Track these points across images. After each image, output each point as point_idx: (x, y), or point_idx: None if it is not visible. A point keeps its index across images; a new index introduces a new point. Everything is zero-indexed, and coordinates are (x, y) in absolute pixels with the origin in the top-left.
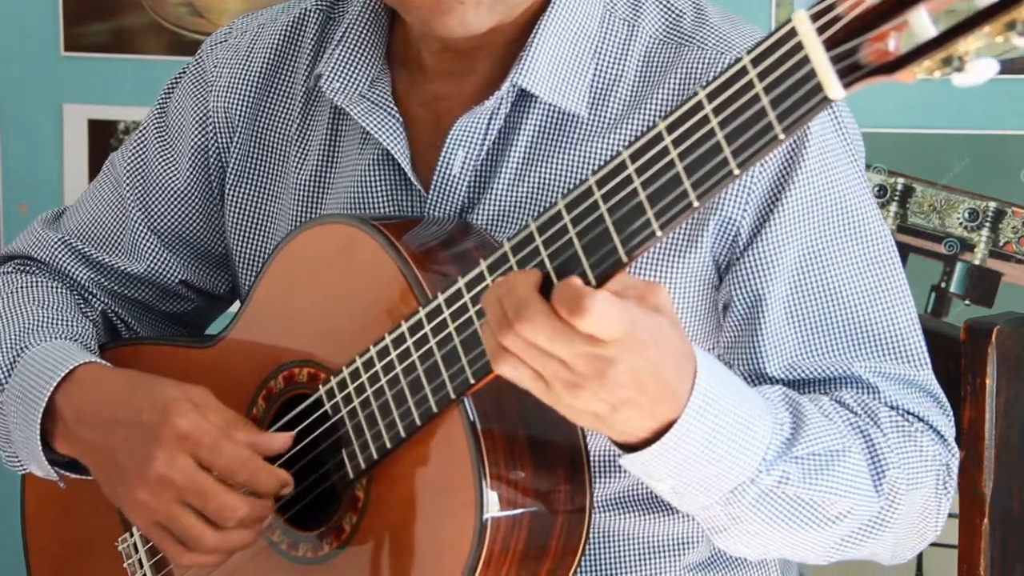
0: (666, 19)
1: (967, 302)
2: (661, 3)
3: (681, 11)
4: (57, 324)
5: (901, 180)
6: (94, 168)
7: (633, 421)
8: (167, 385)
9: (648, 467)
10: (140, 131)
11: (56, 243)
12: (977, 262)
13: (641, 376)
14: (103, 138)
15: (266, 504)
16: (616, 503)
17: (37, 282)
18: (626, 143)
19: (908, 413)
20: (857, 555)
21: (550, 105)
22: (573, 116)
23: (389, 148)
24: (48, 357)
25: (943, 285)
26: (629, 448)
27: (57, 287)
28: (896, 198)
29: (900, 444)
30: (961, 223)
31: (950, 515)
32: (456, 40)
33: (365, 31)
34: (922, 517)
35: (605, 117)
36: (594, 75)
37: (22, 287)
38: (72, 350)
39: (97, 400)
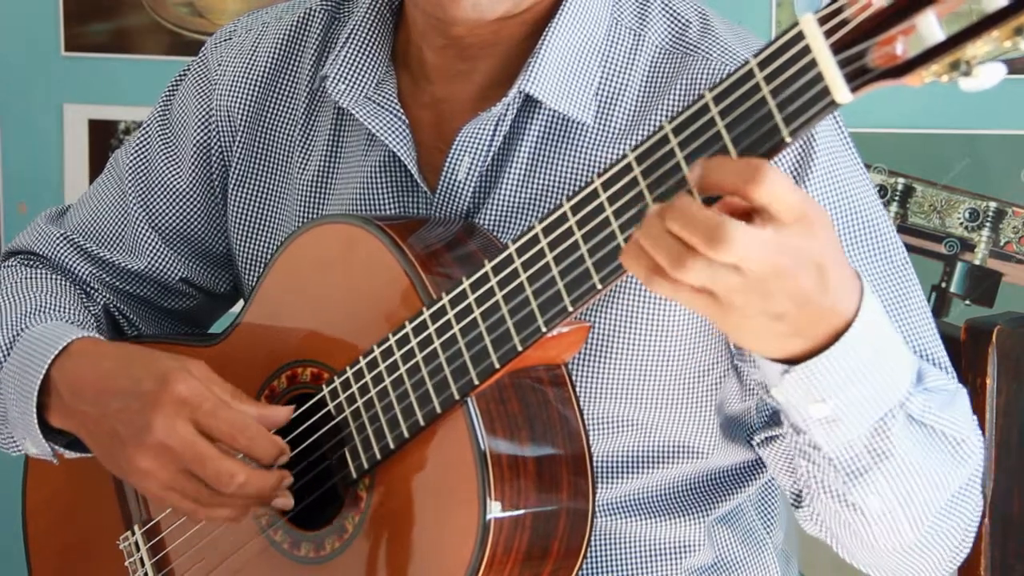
0: (672, 29)
1: (967, 302)
2: (667, 12)
3: (687, 21)
4: (60, 310)
5: (901, 180)
6: (94, 168)
7: (806, 322)
8: (165, 356)
9: (817, 381)
10: (144, 129)
11: (58, 239)
12: (977, 262)
13: (816, 262)
14: (103, 138)
15: (266, 477)
16: (619, 506)
17: (40, 275)
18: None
19: None
20: (941, 533)
21: (554, 111)
22: (577, 122)
23: (396, 151)
24: (46, 334)
25: (943, 285)
26: (792, 361)
27: (60, 280)
28: (896, 198)
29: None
30: (961, 223)
31: None
32: (467, 25)
33: (371, 32)
34: (973, 512)
35: (610, 126)
36: (600, 84)
37: (26, 278)
38: (70, 328)
39: (93, 372)
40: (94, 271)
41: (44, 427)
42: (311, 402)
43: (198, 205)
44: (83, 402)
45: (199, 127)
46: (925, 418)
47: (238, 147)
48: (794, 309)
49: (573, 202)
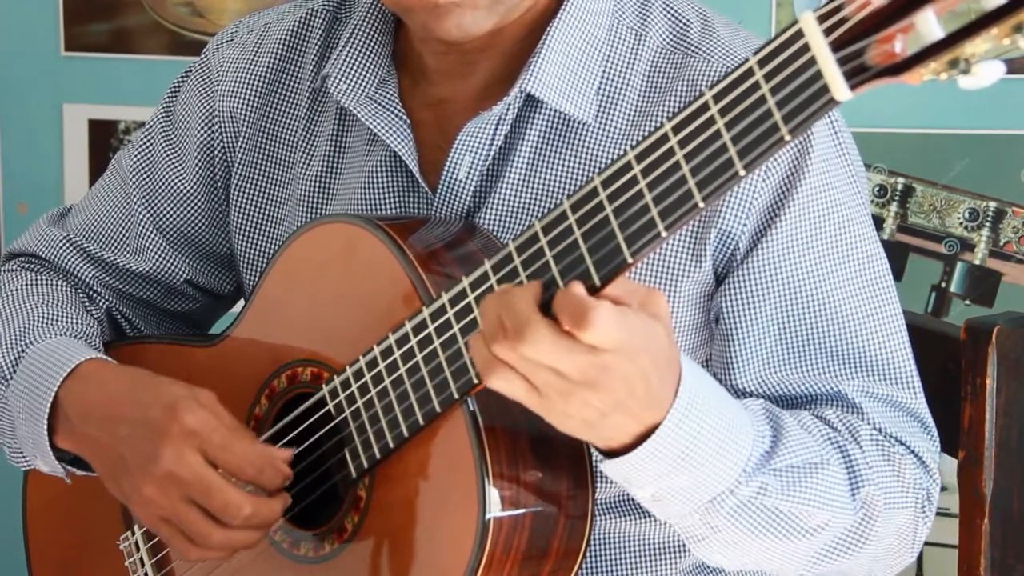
0: (672, 29)
1: (967, 302)
2: (668, 12)
3: (688, 21)
4: (61, 321)
5: (901, 180)
6: (94, 168)
7: (620, 427)
8: (173, 384)
9: (630, 473)
10: (147, 130)
11: (61, 241)
12: (977, 262)
13: (633, 381)
14: (103, 138)
15: (271, 506)
16: (617, 506)
17: (41, 280)
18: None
19: (890, 436)
20: (832, 570)
21: (555, 110)
22: (578, 121)
23: (397, 150)
24: (54, 352)
25: (943, 285)
26: (610, 454)
27: (61, 285)
28: (896, 198)
29: (878, 463)
30: (961, 223)
31: (950, 515)
32: (456, 43)
33: (372, 33)
34: (898, 540)
35: (612, 126)
36: (601, 83)
37: (26, 284)
38: (77, 347)
39: (101, 397)
40: (97, 274)
41: (51, 446)
42: (311, 401)
43: (202, 206)
44: (90, 426)
45: (202, 128)
46: (760, 502)
47: (241, 148)
48: (610, 415)
49: (572, 200)
